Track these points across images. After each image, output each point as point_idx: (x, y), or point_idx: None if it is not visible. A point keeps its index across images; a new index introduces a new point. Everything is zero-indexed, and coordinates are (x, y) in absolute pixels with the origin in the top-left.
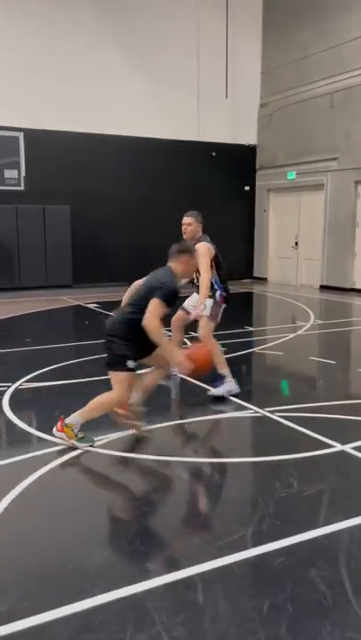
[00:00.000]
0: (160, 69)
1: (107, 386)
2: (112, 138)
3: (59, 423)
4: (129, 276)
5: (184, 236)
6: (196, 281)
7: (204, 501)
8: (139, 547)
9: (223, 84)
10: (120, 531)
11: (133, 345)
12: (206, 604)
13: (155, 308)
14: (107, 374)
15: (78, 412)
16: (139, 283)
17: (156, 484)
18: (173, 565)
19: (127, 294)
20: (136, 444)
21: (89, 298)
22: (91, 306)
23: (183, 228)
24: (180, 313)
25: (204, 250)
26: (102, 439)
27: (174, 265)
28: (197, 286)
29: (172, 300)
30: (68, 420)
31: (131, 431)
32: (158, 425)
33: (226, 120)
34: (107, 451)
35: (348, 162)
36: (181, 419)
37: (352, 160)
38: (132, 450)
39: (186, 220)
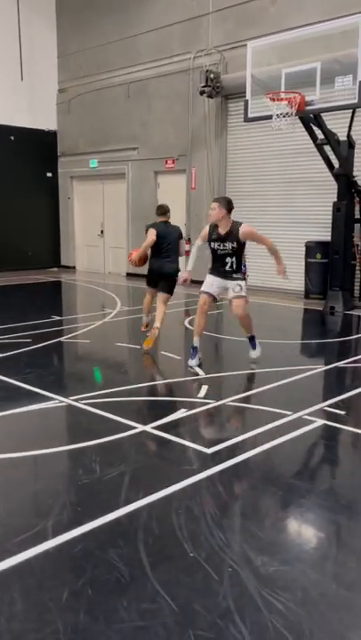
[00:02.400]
0: None
1: None
2: None
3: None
4: None
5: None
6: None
7: (1, 499)
8: None
9: (18, 66)
10: None
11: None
12: (2, 604)
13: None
14: None
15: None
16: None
17: None
18: None
19: None
20: None
21: None
22: None
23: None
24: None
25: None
26: None
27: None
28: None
29: None
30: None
31: None
32: None
33: (23, 104)
34: None
35: (147, 152)
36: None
37: (150, 151)
38: None
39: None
